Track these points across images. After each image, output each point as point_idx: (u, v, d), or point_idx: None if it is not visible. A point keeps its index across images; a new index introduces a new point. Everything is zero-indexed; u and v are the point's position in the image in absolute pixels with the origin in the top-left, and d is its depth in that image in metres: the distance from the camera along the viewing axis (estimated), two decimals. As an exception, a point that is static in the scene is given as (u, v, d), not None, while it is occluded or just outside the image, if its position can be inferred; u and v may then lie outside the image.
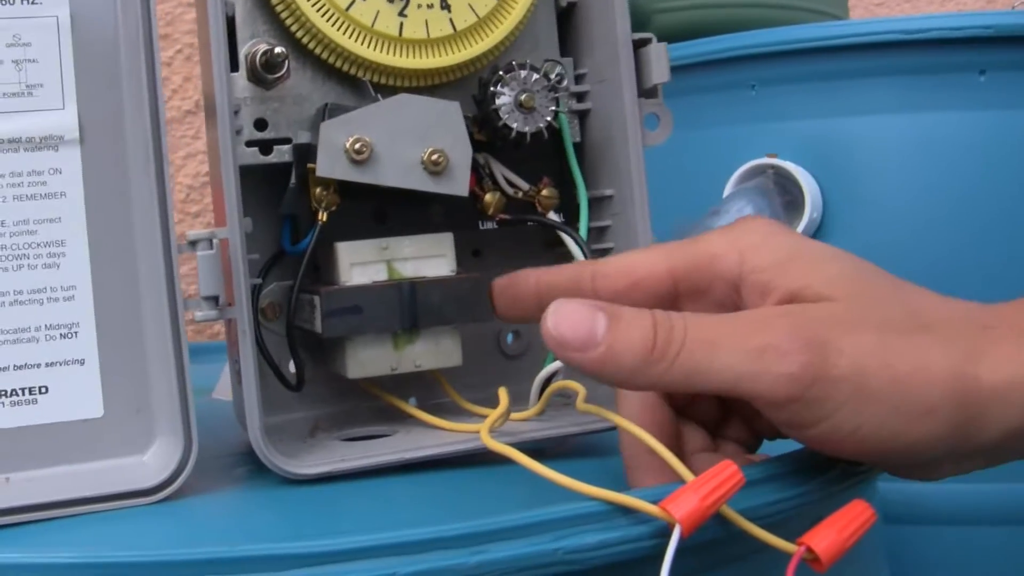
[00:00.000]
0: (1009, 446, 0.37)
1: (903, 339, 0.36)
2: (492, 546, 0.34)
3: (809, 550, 0.35)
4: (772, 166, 0.82)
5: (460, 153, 0.46)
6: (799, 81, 0.83)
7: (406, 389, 0.52)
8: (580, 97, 0.51)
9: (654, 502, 0.34)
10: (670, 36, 0.89)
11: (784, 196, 0.81)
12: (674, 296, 0.41)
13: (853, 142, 0.82)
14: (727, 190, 0.82)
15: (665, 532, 0.34)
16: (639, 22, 0.92)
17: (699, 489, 0.34)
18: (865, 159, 0.81)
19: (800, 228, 0.79)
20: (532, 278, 0.44)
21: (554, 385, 0.48)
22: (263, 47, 0.45)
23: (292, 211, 0.47)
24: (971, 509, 0.76)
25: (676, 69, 0.87)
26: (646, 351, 0.35)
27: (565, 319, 0.36)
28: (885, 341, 0.36)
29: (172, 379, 0.43)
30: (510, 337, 0.54)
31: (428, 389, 0.52)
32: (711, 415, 0.43)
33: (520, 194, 0.49)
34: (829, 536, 0.35)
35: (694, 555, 0.37)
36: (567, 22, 0.51)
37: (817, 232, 0.81)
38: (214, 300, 0.43)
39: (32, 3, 0.43)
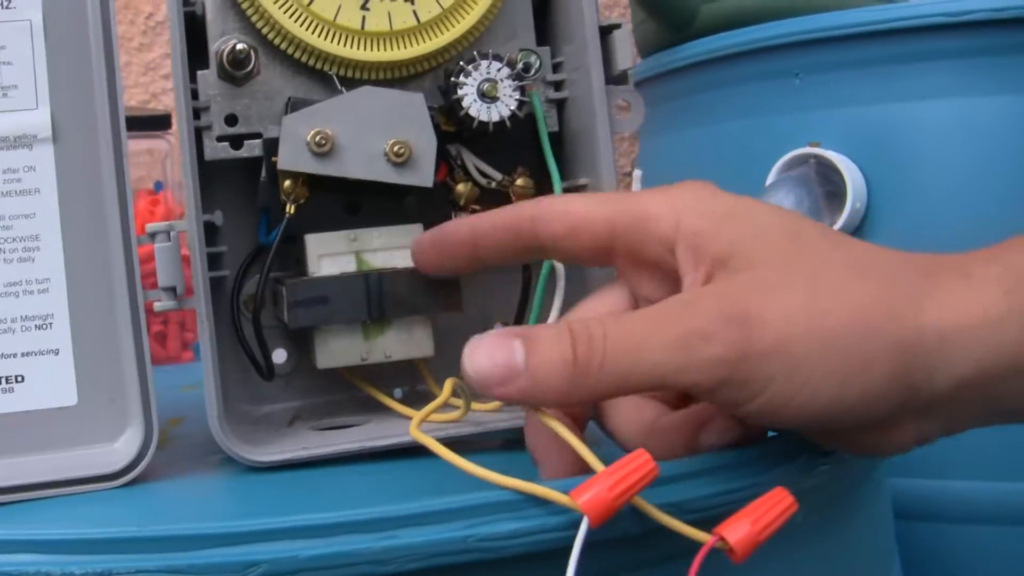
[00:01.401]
0: (965, 398, 0.35)
1: (835, 290, 0.35)
2: (401, 532, 0.35)
3: (722, 539, 0.34)
4: (814, 155, 0.80)
5: (425, 144, 0.47)
6: (843, 68, 0.81)
7: (396, 379, 0.52)
8: (557, 86, 0.50)
9: (565, 492, 0.34)
10: (719, 26, 0.89)
11: (826, 186, 0.79)
12: (609, 249, 0.40)
13: (899, 129, 0.79)
14: (769, 180, 0.81)
15: (578, 523, 0.34)
16: (688, 13, 0.91)
17: (608, 479, 0.34)
18: (912, 146, 0.79)
19: (842, 218, 0.77)
20: (465, 226, 0.43)
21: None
22: (230, 44, 0.46)
23: (265, 204, 0.48)
24: (986, 507, 0.73)
25: (718, 60, 0.87)
26: (569, 370, 0.35)
27: (481, 355, 0.35)
28: (814, 299, 0.35)
29: (133, 367, 0.44)
30: (498, 328, 0.54)
31: (416, 379, 0.52)
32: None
33: (493, 184, 0.49)
34: (744, 526, 0.34)
35: (618, 549, 0.37)
36: (544, 10, 0.51)
37: (862, 222, 0.79)
38: (172, 291, 0.44)
39: (6, 7, 0.45)
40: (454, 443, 0.39)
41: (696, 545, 0.34)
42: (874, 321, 0.34)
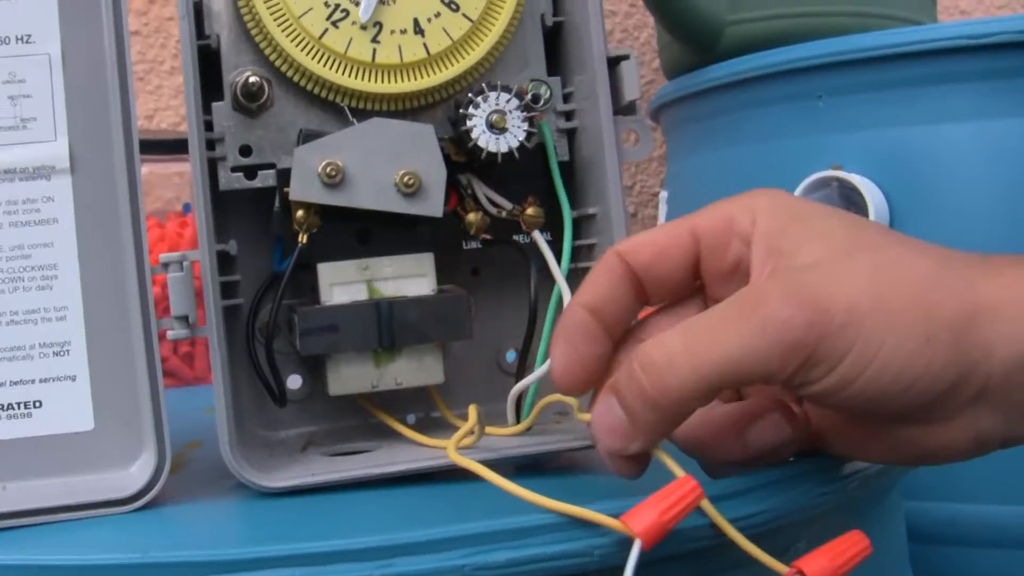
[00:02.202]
0: (1021, 382, 0.36)
1: (897, 267, 0.36)
2: (402, 560, 0.35)
3: (800, 572, 0.35)
4: (837, 178, 0.80)
5: (434, 174, 0.47)
6: (866, 90, 0.81)
7: (409, 405, 0.53)
8: (568, 116, 0.51)
9: (615, 516, 0.35)
10: (745, 48, 0.89)
11: (848, 208, 0.79)
12: (697, 260, 0.42)
13: (921, 152, 0.79)
14: (791, 203, 0.81)
15: (625, 545, 0.35)
16: (712, 35, 0.92)
17: (658, 504, 0.35)
18: (934, 169, 0.79)
19: (864, 241, 0.77)
20: (579, 308, 0.42)
21: (543, 400, 0.48)
22: (245, 77, 0.47)
23: (279, 233, 0.49)
24: (1003, 531, 0.73)
25: (742, 82, 0.87)
26: (649, 403, 0.37)
27: (597, 426, 0.39)
28: (878, 276, 0.36)
29: (147, 393, 0.45)
30: (510, 355, 0.54)
31: (430, 405, 0.53)
32: None
33: (503, 213, 0.50)
34: (822, 563, 0.35)
35: (684, 564, 0.38)
36: (556, 40, 0.52)
37: (885, 245, 0.79)
38: (184, 319, 0.45)
39: (26, 42, 0.46)
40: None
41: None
42: (935, 295, 0.36)
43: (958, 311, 0.36)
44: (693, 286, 0.43)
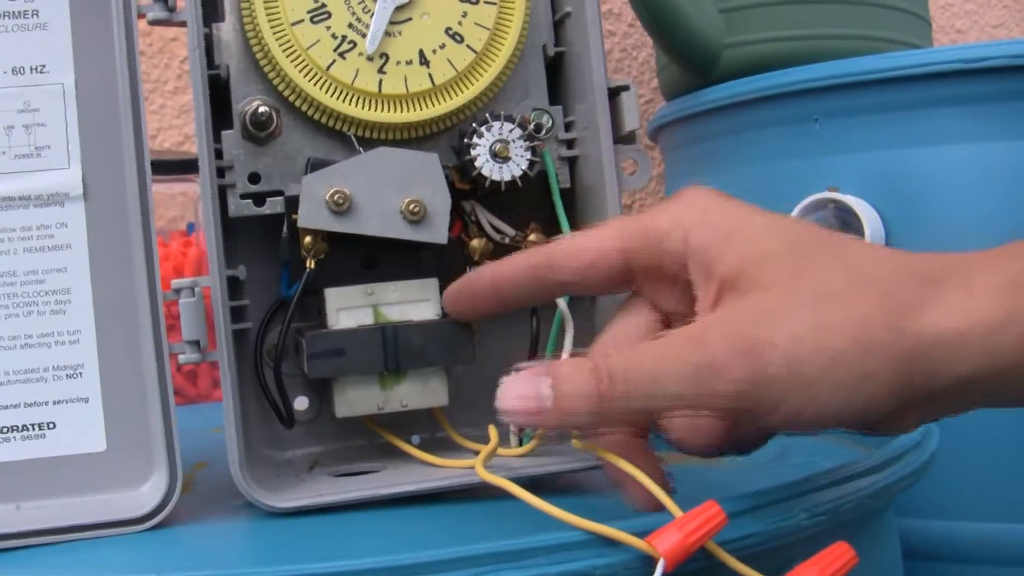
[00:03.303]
0: (972, 390, 0.37)
1: (839, 309, 0.37)
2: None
3: None
4: (833, 200, 0.81)
5: (439, 202, 0.48)
6: (862, 113, 0.82)
7: (413, 426, 0.54)
8: (570, 144, 0.52)
9: (640, 536, 0.37)
10: (742, 71, 0.90)
11: (844, 230, 0.80)
12: (626, 273, 0.42)
13: (917, 174, 0.81)
14: (788, 224, 0.82)
15: (649, 564, 0.36)
16: (709, 58, 0.93)
17: (684, 526, 0.36)
18: (929, 191, 0.80)
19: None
20: (487, 274, 0.45)
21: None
22: (254, 106, 0.49)
23: (287, 259, 0.50)
24: (998, 548, 0.74)
25: (739, 104, 0.88)
26: (593, 403, 0.37)
27: (512, 395, 0.38)
28: (819, 318, 0.36)
29: (159, 415, 0.46)
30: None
31: (435, 426, 0.54)
32: None
33: (507, 240, 0.51)
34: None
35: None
36: (557, 71, 0.53)
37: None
38: (196, 344, 0.46)
39: (40, 72, 0.48)
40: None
41: None
42: (876, 333, 0.36)
43: (901, 345, 0.36)
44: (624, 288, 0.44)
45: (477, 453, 0.49)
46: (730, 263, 0.39)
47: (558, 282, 0.43)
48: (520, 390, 0.38)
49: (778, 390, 0.36)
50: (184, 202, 0.95)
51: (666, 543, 0.36)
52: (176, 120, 1.05)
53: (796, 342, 0.36)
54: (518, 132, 0.49)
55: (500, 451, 0.50)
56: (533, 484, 0.49)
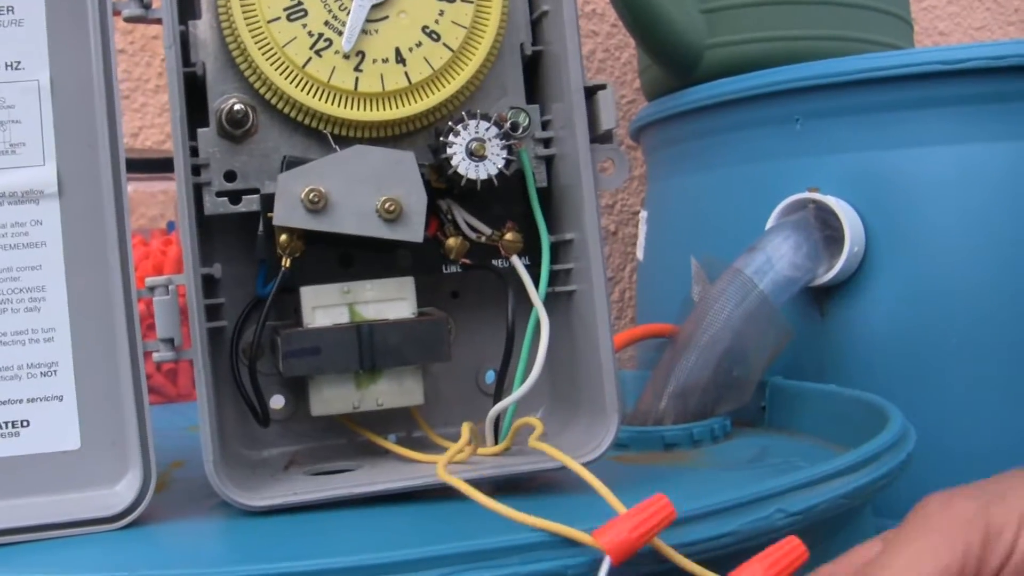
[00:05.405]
0: None
1: None
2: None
3: None
4: (813, 200, 0.81)
5: (415, 201, 0.48)
6: (843, 114, 0.82)
7: (390, 425, 0.54)
8: (546, 143, 0.52)
9: (588, 532, 0.36)
10: (724, 71, 0.91)
11: (825, 231, 0.80)
12: None
13: (898, 175, 0.81)
14: (768, 224, 0.82)
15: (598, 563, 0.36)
16: (691, 59, 0.93)
17: (629, 520, 0.36)
18: (910, 192, 0.80)
19: (840, 263, 0.79)
20: None
21: (518, 422, 0.50)
22: (230, 104, 0.48)
23: (263, 257, 0.50)
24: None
25: (721, 105, 0.88)
26: None
27: None
28: None
29: (133, 413, 0.46)
30: (489, 375, 0.55)
31: (412, 425, 0.54)
32: None
33: (483, 238, 0.51)
34: (757, 573, 0.36)
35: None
36: (534, 70, 0.53)
37: (860, 267, 0.80)
38: (170, 342, 0.46)
39: (16, 68, 0.47)
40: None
41: None
42: None
43: None
44: None
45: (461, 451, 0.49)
46: None
47: None
48: None
49: None
50: (165, 200, 0.95)
51: (611, 538, 0.36)
52: (158, 119, 1.05)
53: None
54: (495, 131, 0.49)
55: (480, 451, 0.50)
56: (510, 484, 0.50)
